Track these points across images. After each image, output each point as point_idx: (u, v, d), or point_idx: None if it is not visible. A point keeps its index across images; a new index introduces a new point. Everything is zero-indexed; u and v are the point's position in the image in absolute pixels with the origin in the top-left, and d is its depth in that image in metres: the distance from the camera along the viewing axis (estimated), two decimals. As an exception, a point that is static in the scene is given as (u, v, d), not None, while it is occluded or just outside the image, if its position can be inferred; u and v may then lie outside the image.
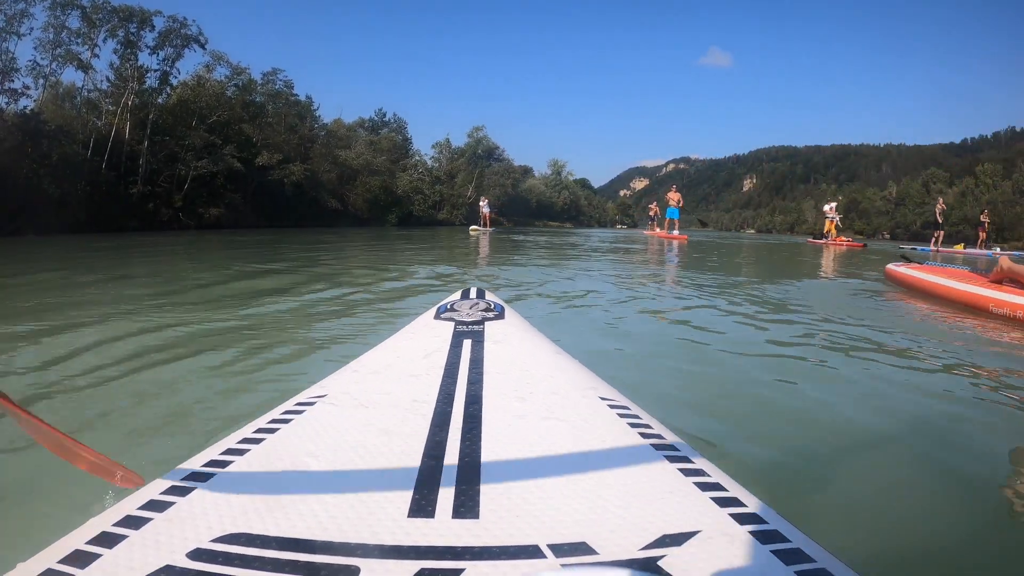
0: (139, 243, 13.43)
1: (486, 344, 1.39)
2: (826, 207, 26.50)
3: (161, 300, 4.41)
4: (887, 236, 66.39)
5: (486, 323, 1.55)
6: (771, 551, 0.63)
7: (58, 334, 3.11)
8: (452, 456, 0.86)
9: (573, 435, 0.95)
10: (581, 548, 0.65)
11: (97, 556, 0.64)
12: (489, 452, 0.87)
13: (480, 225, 28.70)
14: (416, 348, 1.39)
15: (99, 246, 12.11)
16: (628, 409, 1.05)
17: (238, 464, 0.86)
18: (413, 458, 0.85)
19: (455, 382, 1.15)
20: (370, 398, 1.11)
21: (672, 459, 0.85)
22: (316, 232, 22.50)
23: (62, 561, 0.63)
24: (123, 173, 24.87)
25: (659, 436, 0.94)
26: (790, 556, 0.62)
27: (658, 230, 30.15)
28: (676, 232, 23.45)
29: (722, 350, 3.00)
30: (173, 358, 2.61)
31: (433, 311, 1.68)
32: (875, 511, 1.41)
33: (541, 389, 1.14)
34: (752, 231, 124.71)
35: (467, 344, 1.38)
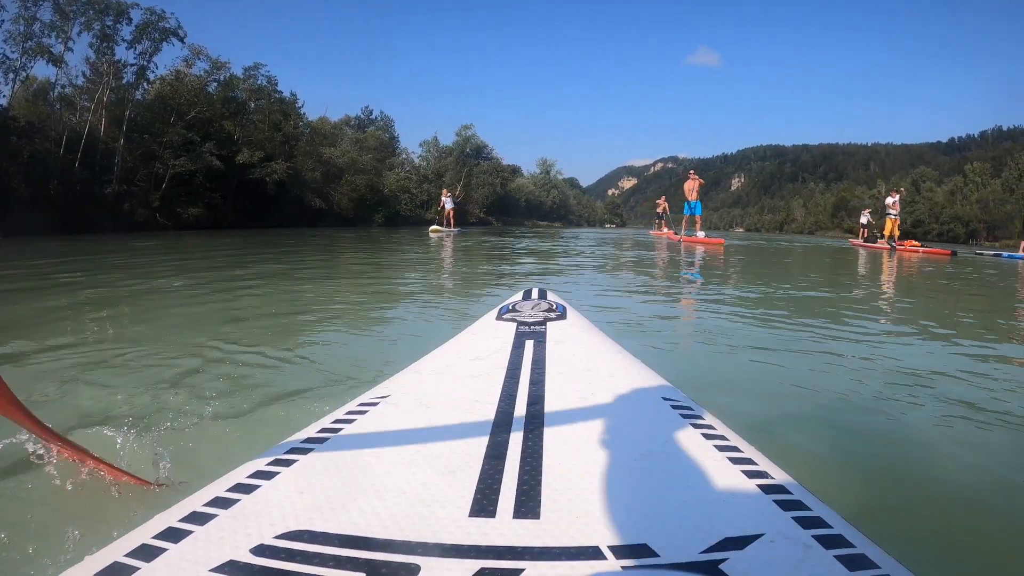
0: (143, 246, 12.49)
1: (548, 344, 1.37)
2: (889, 200, 19.74)
3: (204, 308, 4.28)
4: (877, 234, 66.14)
5: (548, 323, 1.53)
6: (835, 556, 0.62)
7: (121, 332, 3.34)
8: (514, 456, 0.85)
9: (635, 436, 0.94)
10: (642, 550, 0.64)
11: (163, 550, 0.66)
12: (551, 453, 0.86)
13: (442, 224, 24.30)
14: (478, 349, 1.39)
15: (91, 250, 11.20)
16: (691, 410, 1.02)
17: (302, 463, 0.86)
18: (475, 458, 0.85)
19: (517, 382, 1.14)
20: (432, 399, 1.12)
21: (735, 460, 0.83)
22: (281, 235, 19.57)
23: (129, 555, 0.65)
24: (97, 172, 23.89)
25: (722, 437, 0.91)
26: (854, 561, 0.62)
27: (667, 230, 25.58)
28: (701, 234, 18.30)
29: None
30: (235, 361, 2.63)
31: (495, 312, 1.67)
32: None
33: (603, 389, 1.13)
34: (741, 230, 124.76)
35: (529, 344, 1.37)
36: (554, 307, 1.69)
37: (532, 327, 1.51)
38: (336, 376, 2.39)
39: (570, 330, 1.50)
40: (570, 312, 1.65)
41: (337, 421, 1.02)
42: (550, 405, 1.04)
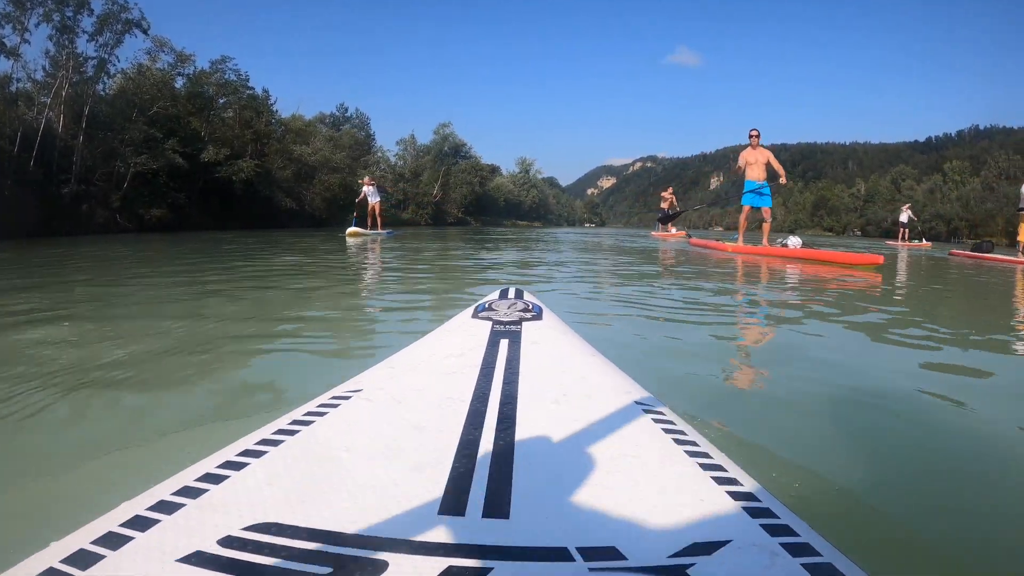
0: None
1: (523, 344, 1.36)
2: None
3: (190, 295, 4.41)
4: (858, 232, 66.62)
5: (524, 323, 1.52)
6: (801, 564, 0.62)
7: (98, 322, 3.32)
8: (485, 455, 0.85)
9: (606, 438, 0.93)
10: (610, 553, 0.64)
11: (130, 539, 0.66)
12: (522, 453, 0.86)
13: (365, 226, 17.69)
14: (452, 346, 1.39)
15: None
16: (663, 415, 1.02)
17: (272, 455, 0.86)
18: (446, 455, 0.85)
19: (490, 381, 1.13)
20: (405, 394, 1.12)
21: (705, 467, 0.83)
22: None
23: (95, 542, 0.65)
24: (54, 171, 22.62)
25: (693, 443, 0.91)
26: (821, 570, 0.62)
27: (675, 230, 20.97)
28: (794, 242, 9.96)
29: None
30: (208, 350, 2.63)
31: (471, 310, 1.66)
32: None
33: (576, 391, 1.12)
34: (720, 228, 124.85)
35: (504, 344, 1.36)
36: (530, 307, 1.67)
37: (507, 326, 1.49)
38: (308, 369, 2.35)
39: (545, 331, 1.49)
40: (546, 313, 1.63)
41: (309, 413, 1.01)
42: (523, 405, 1.02)
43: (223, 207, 29.34)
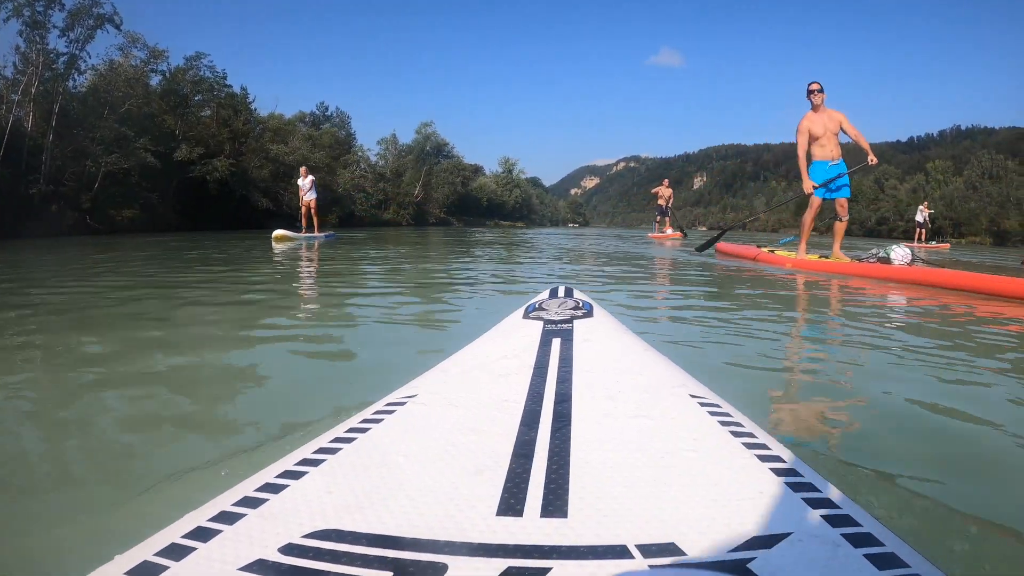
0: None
1: (575, 342, 1.36)
2: None
3: (231, 307, 4.31)
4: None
5: (575, 321, 1.51)
6: (863, 555, 0.62)
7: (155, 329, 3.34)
8: (541, 455, 0.85)
9: (662, 433, 0.93)
10: (670, 549, 0.64)
11: (192, 549, 0.67)
12: (578, 451, 0.86)
13: (296, 228, 15.10)
14: (505, 347, 1.38)
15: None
16: (719, 407, 1.01)
17: (330, 462, 0.86)
18: (502, 457, 0.85)
19: (544, 381, 1.13)
20: (460, 397, 1.12)
21: (764, 458, 0.82)
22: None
23: (158, 554, 0.66)
24: (23, 171, 21.92)
25: (751, 435, 0.90)
26: (883, 560, 0.61)
27: (670, 231, 19.82)
28: (896, 254, 6.26)
29: None
30: (262, 360, 2.67)
31: (521, 311, 1.66)
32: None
33: (630, 387, 1.12)
34: (704, 228, 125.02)
35: (556, 343, 1.36)
36: (580, 305, 1.66)
37: (559, 325, 1.48)
38: (364, 376, 2.38)
39: (597, 328, 1.47)
40: (597, 310, 1.61)
41: (365, 420, 1.01)
42: (577, 403, 1.02)
43: (197, 207, 28.73)
